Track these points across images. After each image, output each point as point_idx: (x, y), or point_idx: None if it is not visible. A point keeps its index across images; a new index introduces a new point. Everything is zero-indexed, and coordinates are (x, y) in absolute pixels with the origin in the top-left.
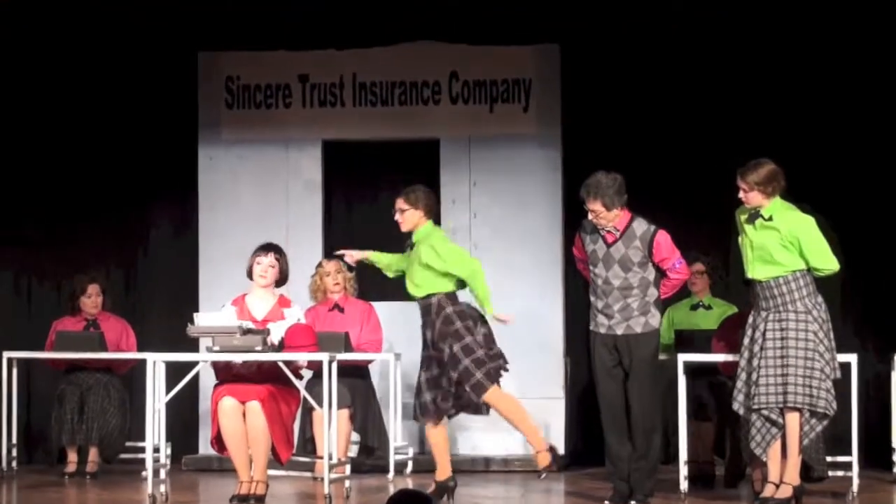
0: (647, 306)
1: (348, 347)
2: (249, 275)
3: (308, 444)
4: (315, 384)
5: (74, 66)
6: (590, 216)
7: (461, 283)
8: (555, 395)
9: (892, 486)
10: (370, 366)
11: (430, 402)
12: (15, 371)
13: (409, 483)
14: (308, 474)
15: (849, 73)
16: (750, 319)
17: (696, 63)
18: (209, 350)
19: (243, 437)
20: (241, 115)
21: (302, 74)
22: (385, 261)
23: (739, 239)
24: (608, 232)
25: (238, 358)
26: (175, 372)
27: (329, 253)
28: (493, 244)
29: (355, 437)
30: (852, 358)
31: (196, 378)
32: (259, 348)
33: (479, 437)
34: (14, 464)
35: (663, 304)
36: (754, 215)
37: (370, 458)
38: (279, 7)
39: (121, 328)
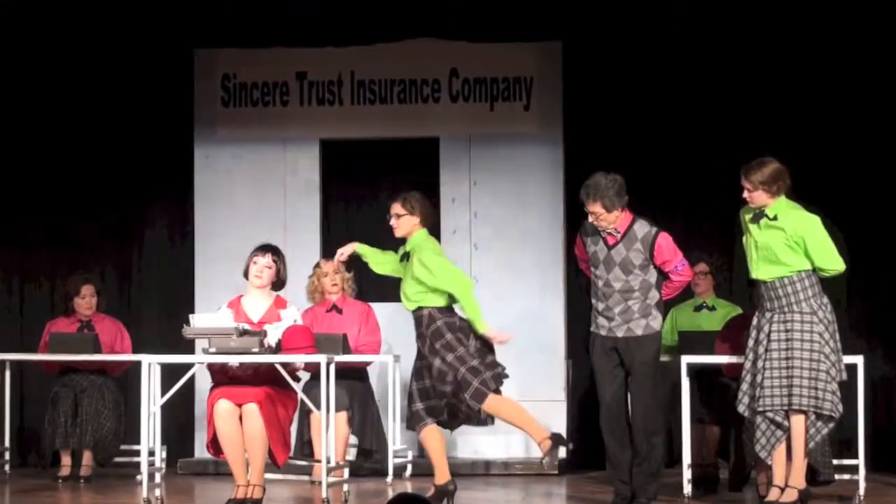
0: (649, 309)
1: (346, 349)
2: (246, 275)
3: (305, 448)
4: (313, 386)
5: (68, 63)
6: (590, 218)
7: (453, 297)
8: (556, 398)
9: None
10: (369, 368)
11: (423, 410)
12: (8, 373)
13: (408, 487)
14: (305, 478)
15: (852, 72)
16: (754, 321)
17: (700, 61)
18: (205, 352)
19: (240, 441)
20: (237, 114)
21: (300, 72)
22: (375, 257)
23: (744, 239)
24: (609, 234)
25: (234, 360)
26: (170, 374)
27: (327, 253)
28: (494, 244)
29: (353, 440)
30: (858, 359)
31: (192, 380)
32: (256, 350)
33: (480, 440)
34: (7, 467)
35: (666, 306)
36: (759, 215)
37: (368, 461)
38: (277, 3)
39: (115, 329)
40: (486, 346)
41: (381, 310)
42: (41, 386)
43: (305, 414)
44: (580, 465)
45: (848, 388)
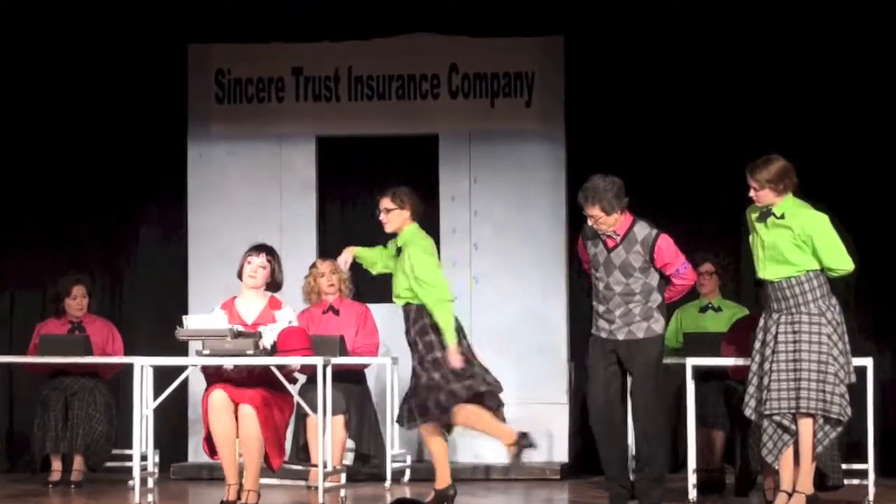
0: (651, 311)
1: (343, 351)
2: (240, 276)
3: (301, 452)
4: (309, 389)
5: (58, 58)
6: (589, 221)
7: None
8: (558, 401)
9: None
10: (366, 370)
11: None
12: None
13: (407, 492)
14: (301, 483)
15: (856, 71)
16: (761, 322)
17: (703, 57)
18: (199, 354)
19: (232, 436)
20: (232, 110)
21: (295, 67)
22: (369, 259)
23: (750, 238)
24: (608, 237)
25: (229, 362)
26: (163, 377)
27: (323, 253)
28: (494, 243)
29: (350, 444)
30: (868, 362)
31: (185, 383)
32: (251, 352)
33: (480, 444)
34: None
35: (671, 306)
36: (766, 213)
37: (366, 466)
38: None
39: (107, 331)
40: (470, 351)
41: (378, 311)
42: (31, 389)
43: (302, 417)
44: (582, 470)
45: (857, 391)
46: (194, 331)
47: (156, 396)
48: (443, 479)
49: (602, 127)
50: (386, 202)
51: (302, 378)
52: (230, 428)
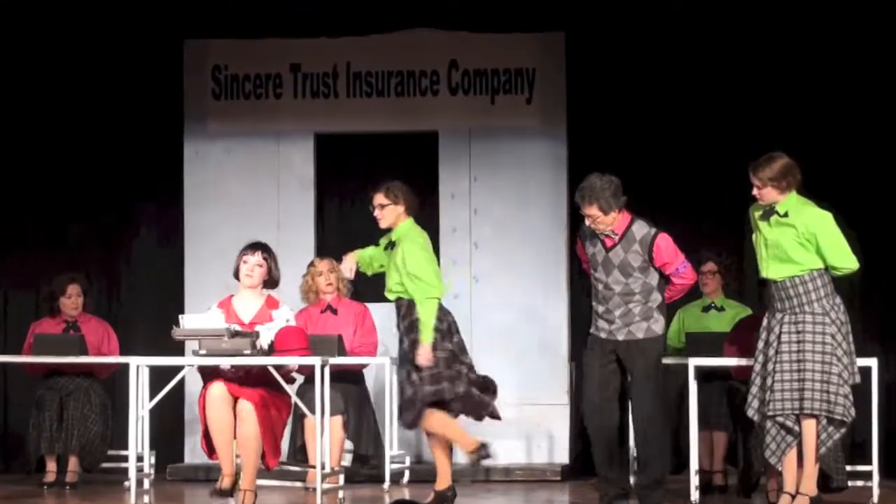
0: (650, 311)
1: (342, 351)
2: (236, 275)
3: (299, 453)
4: (307, 390)
5: (51, 55)
6: (587, 221)
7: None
8: (558, 402)
9: None
10: (364, 370)
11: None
12: None
13: (406, 493)
14: (299, 484)
15: (857, 69)
16: (764, 322)
17: (706, 54)
18: (195, 354)
19: (230, 428)
20: (229, 107)
21: (293, 64)
22: (365, 260)
23: (753, 237)
24: (606, 236)
25: (226, 362)
26: (159, 377)
27: (321, 252)
28: (494, 242)
29: (349, 445)
30: (872, 362)
31: (181, 383)
32: (248, 352)
33: None
34: None
35: (674, 306)
36: (769, 212)
37: (365, 467)
38: None
39: (102, 330)
40: (453, 354)
41: (377, 310)
42: (25, 389)
43: (299, 418)
44: (582, 472)
45: (861, 392)
46: (191, 330)
47: (152, 397)
48: (443, 480)
49: (604, 124)
50: (380, 198)
51: (300, 378)
52: (228, 420)
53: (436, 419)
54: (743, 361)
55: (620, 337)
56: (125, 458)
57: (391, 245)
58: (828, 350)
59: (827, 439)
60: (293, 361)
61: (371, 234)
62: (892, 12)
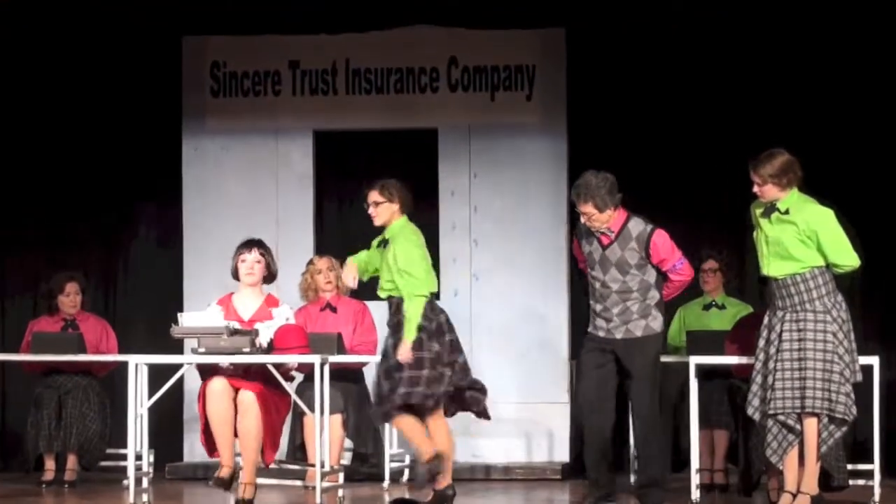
0: (648, 309)
1: (341, 349)
2: (235, 275)
3: (299, 451)
4: (306, 388)
5: (49, 52)
6: (582, 219)
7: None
8: (558, 400)
9: None
10: (364, 369)
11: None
12: None
13: (405, 492)
14: (298, 483)
15: (858, 68)
16: (765, 320)
17: (707, 51)
18: (194, 352)
19: (230, 418)
20: (227, 104)
21: (292, 60)
22: (361, 265)
23: (754, 234)
24: (603, 234)
25: (225, 360)
26: (158, 375)
27: (320, 250)
28: (494, 239)
29: (348, 443)
30: (874, 360)
31: (180, 381)
32: (247, 350)
33: (480, 444)
34: None
35: (675, 304)
36: (770, 209)
37: (364, 465)
38: None
39: (101, 329)
40: (438, 356)
41: (376, 309)
42: (24, 387)
43: (299, 416)
44: (582, 471)
45: (863, 390)
46: (190, 328)
47: (151, 395)
48: (443, 479)
49: (604, 121)
50: (374, 195)
51: (299, 376)
52: (229, 413)
53: (404, 422)
54: (744, 360)
55: (618, 335)
56: (124, 457)
57: (384, 243)
58: (829, 348)
59: (828, 438)
60: (292, 359)
61: (370, 231)
62: (892, 12)
